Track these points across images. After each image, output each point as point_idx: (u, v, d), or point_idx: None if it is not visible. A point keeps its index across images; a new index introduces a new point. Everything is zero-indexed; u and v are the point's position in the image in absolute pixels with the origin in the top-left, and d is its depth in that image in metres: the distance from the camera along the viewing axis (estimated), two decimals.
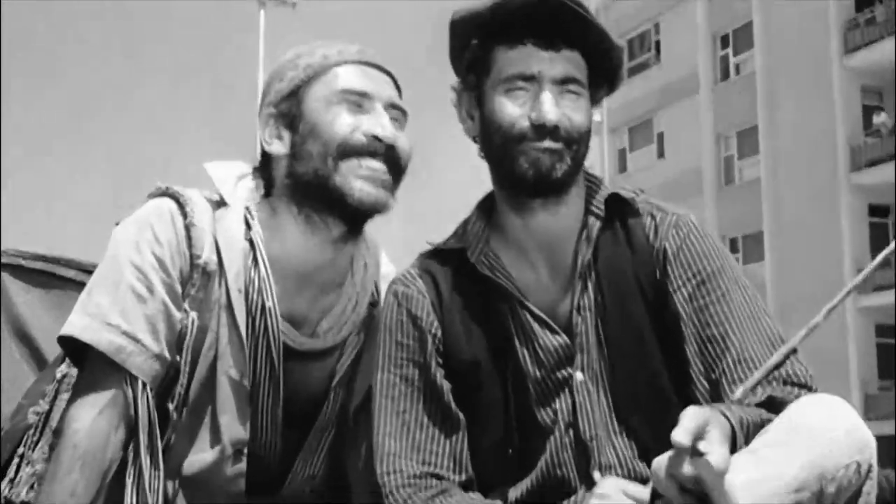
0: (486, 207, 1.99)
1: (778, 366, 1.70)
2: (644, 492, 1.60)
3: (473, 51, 1.88)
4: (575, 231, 1.91)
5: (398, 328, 1.91)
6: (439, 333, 1.89)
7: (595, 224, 1.89)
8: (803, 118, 26.85)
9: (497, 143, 1.85)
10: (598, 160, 31.25)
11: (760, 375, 1.68)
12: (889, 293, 25.07)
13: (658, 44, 31.03)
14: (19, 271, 2.26)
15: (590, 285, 1.87)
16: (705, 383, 1.78)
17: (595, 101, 1.92)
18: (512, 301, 1.89)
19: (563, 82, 1.83)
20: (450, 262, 1.95)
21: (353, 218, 1.96)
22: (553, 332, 1.87)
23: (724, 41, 29.03)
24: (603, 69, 1.90)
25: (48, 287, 2.25)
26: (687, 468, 1.43)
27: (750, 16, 28.31)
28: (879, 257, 1.72)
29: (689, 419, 1.45)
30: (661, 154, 30.65)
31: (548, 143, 1.80)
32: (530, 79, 1.83)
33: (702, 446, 1.43)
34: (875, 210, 26.25)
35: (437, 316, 1.90)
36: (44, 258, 2.29)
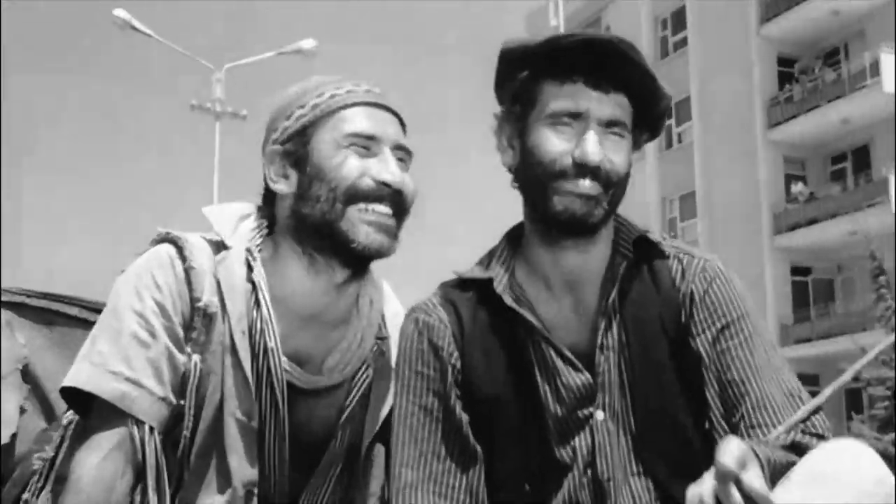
0: (514, 238, 1.95)
1: (807, 418, 1.67)
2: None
3: (523, 82, 1.83)
4: (602, 269, 1.87)
5: (418, 358, 1.86)
6: (459, 364, 1.84)
7: (622, 264, 1.86)
8: (733, 186, 28.46)
9: (536, 176, 1.80)
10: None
11: (797, 419, 1.65)
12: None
13: None
14: (22, 309, 2.23)
15: (614, 325, 1.83)
16: (725, 426, 1.75)
17: (636, 146, 1.87)
18: (535, 335, 1.84)
19: (609, 125, 1.80)
20: (473, 291, 1.90)
21: (357, 263, 1.93)
22: (576, 369, 1.82)
23: (669, 112, 31.64)
24: (648, 115, 1.86)
25: (51, 324, 2.22)
26: (736, 496, 1.38)
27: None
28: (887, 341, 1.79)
29: (736, 447, 1.42)
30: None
31: (587, 185, 1.76)
32: (577, 116, 1.79)
33: (744, 477, 1.39)
34: (796, 270, 27.84)
35: (458, 346, 1.85)
36: (47, 296, 2.26)
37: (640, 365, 1.80)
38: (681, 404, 1.79)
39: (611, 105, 1.79)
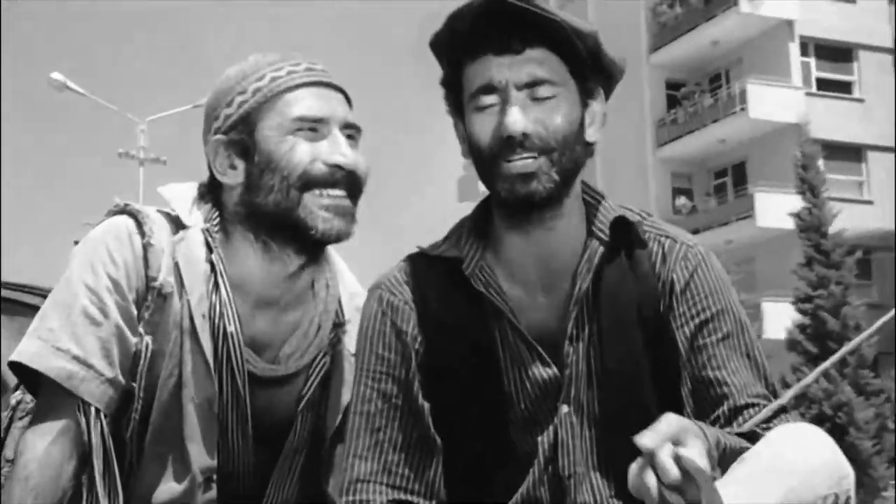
0: (483, 217, 1.77)
1: (779, 411, 1.60)
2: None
3: (448, 71, 1.70)
4: (576, 252, 1.70)
5: (380, 339, 1.71)
6: (423, 349, 1.69)
7: (598, 249, 1.69)
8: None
9: (478, 164, 1.66)
10: None
11: (764, 416, 1.58)
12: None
13: None
14: None
15: (585, 314, 1.69)
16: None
17: (591, 95, 1.68)
18: (503, 321, 1.69)
19: (531, 86, 1.61)
20: (440, 270, 1.73)
21: (313, 249, 1.81)
22: (544, 363, 1.67)
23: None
24: (582, 60, 1.65)
25: (11, 314, 2.13)
26: (674, 471, 1.31)
27: None
28: (878, 323, 1.66)
29: (665, 425, 1.36)
30: None
31: (522, 162, 1.59)
32: (494, 89, 1.62)
33: (682, 452, 1.33)
34: None
35: (422, 329, 1.70)
36: (7, 285, 2.18)
37: (612, 356, 1.66)
38: (651, 396, 1.66)
39: (526, 66, 1.61)
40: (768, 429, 1.58)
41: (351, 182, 1.81)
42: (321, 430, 1.93)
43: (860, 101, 27.98)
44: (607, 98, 1.74)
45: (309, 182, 1.77)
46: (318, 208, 1.77)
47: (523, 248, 1.70)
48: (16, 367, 1.77)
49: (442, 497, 1.69)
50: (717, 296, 1.71)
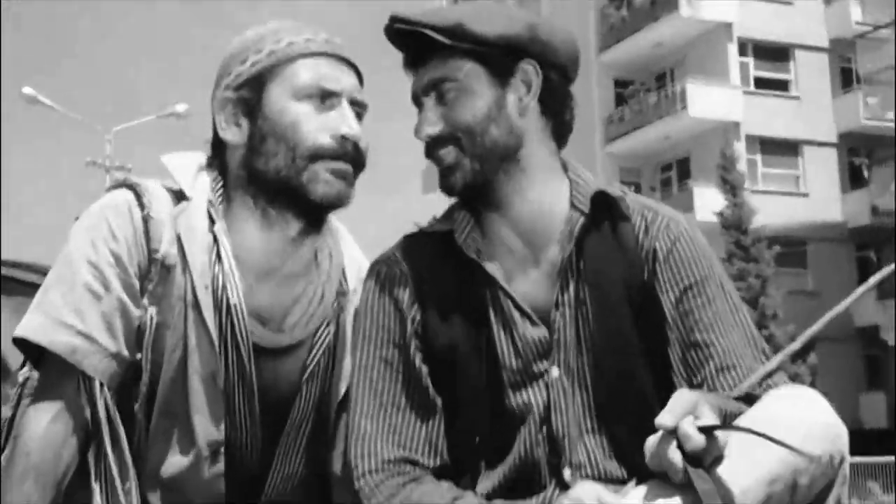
0: None
1: (772, 373, 1.61)
2: (618, 500, 1.47)
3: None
4: (559, 224, 1.75)
5: (379, 309, 1.76)
6: (419, 316, 1.74)
7: (579, 220, 1.73)
8: None
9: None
10: None
11: (755, 380, 1.59)
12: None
13: None
14: None
15: (571, 282, 1.72)
16: (687, 388, 1.64)
17: (503, 74, 1.71)
18: (494, 287, 1.73)
19: (433, 87, 1.72)
20: (434, 244, 1.79)
21: (313, 214, 1.78)
22: (533, 323, 1.71)
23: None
24: (469, 50, 1.70)
25: (10, 293, 2.11)
26: (699, 438, 1.38)
27: None
28: (875, 278, 1.60)
29: (678, 403, 1.42)
30: None
31: (438, 157, 1.72)
32: (416, 99, 1.76)
33: (701, 422, 1.40)
34: None
35: (418, 298, 1.75)
36: (6, 263, 2.14)
37: (599, 323, 1.70)
38: (641, 363, 1.69)
39: (428, 73, 1.72)
40: (764, 391, 1.59)
41: (356, 154, 1.79)
42: (326, 401, 1.90)
43: (796, 98, 28.74)
44: (555, 70, 1.74)
45: (317, 154, 1.74)
46: (323, 172, 1.75)
47: (499, 224, 1.76)
48: (20, 343, 1.73)
49: (445, 456, 1.71)
50: (701, 263, 1.74)
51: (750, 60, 28.77)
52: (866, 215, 27.93)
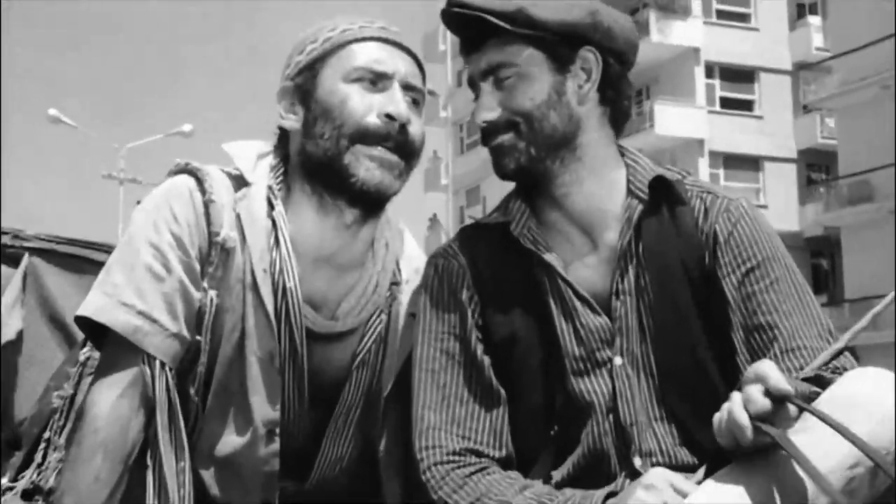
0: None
1: (839, 352, 1.55)
2: (691, 486, 1.42)
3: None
4: (616, 211, 1.69)
5: (438, 302, 1.72)
6: (479, 308, 1.70)
7: (637, 206, 1.67)
8: None
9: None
10: (443, 214, 35.35)
11: (822, 361, 1.53)
12: None
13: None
14: (51, 255, 2.10)
15: (630, 269, 1.67)
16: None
17: (565, 60, 1.68)
18: (553, 276, 1.68)
19: (491, 72, 1.67)
20: (491, 236, 1.74)
21: (361, 201, 1.74)
22: (594, 311, 1.66)
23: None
24: (531, 36, 1.68)
25: (80, 272, 2.11)
26: (763, 400, 1.32)
27: None
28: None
29: (749, 371, 1.36)
30: (484, 212, 38.94)
31: (495, 140, 1.69)
32: (472, 82, 1.73)
33: (769, 383, 1.33)
34: None
35: (478, 289, 1.71)
36: (75, 242, 2.14)
37: (661, 309, 1.64)
38: (705, 349, 1.64)
39: (485, 56, 1.69)
40: (835, 372, 1.53)
41: (403, 139, 1.73)
42: (376, 389, 1.86)
43: (759, 117, 29.84)
44: (614, 57, 1.71)
45: (361, 134, 1.71)
46: (363, 157, 1.71)
47: (555, 212, 1.71)
48: (81, 321, 1.71)
49: (510, 447, 1.66)
50: (763, 244, 1.67)
51: (716, 82, 29.66)
52: (821, 226, 30.11)
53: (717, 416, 1.39)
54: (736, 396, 1.36)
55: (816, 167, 31.32)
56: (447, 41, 37.62)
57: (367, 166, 1.72)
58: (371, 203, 1.77)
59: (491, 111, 1.69)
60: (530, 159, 1.68)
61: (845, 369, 1.55)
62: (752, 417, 1.34)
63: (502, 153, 1.68)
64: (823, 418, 1.33)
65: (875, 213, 24.33)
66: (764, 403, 1.33)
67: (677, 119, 29.38)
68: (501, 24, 1.65)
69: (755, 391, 1.34)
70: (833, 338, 1.62)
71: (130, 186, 27.94)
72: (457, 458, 1.64)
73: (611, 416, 1.67)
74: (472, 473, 1.62)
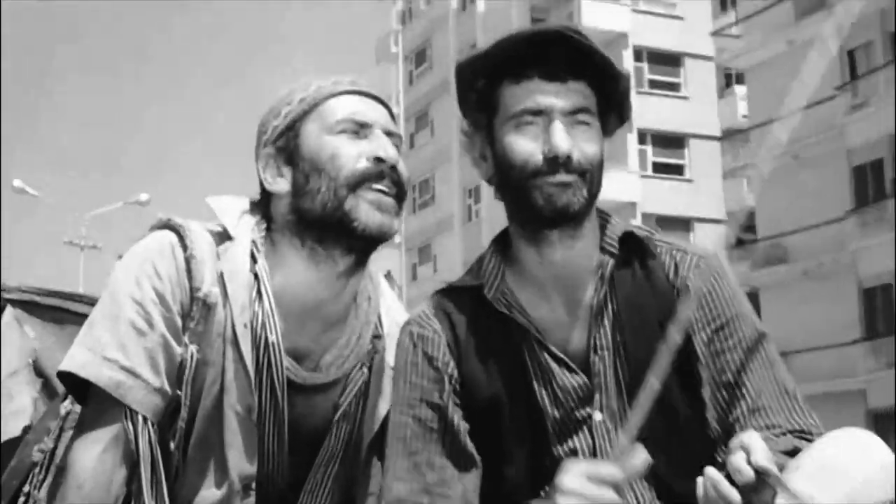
0: (501, 244, 1.75)
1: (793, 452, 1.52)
2: (606, 469, 1.42)
3: (481, 90, 1.68)
4: (591, 268, 1.68)
5: (413, 369, 1.69)
6: (456, 373, 1.68)
7: (609, 262, 1.67)
8: None
9: (513, 180, 1.64)
10: (396, 271, 40.33)
11: (786, 447, 1.54)
12: None
13: (434, 190, 37.49)
14: (33, 307, 2.07)
15: (606, 324, 1.67)
16: (718, 428, 1.63)
17: (606, 131, 1.70)
18: (529, 339, 1.66)
19: (573, 113, 1.63)
20: (465, 300, 1.72)
21: (359, 246, 1.75)
22: (571, 371, 1.65)
23: (470, 194, 35.59)
24: (611, 99, 1.69)
25: (62, 323, 2.08)
26: (748, 470, 1.36)
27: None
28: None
29: (762, 447, 1.36)
30: (435, 269, 36.72)
31: (562, 177, 1.61)
32: (539, 112, 1.62)
33: (752, 458, 1.37)
34: None
35: (454, 355, 1.69)
36: (57, 294, 2.11)
37: (637, 364, 1.64)
38: (680, 401, 1.65)
39: (572, 95, 1.64)
40: (804, 438, 1.55)
41: (395, 179, 1.75)
42: (357, 441, 1.85)
43: (689, 181, 31.00)
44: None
45: (356, 180, 1.71)
46: (363, 202, 1.71)
47: (544, 265, 1.67)
48: (64, 376, 1.69)
49: None
50: (731, 302, 1.68)
51: (648, 148, 30.86)
52: (748, 285, 31.90)
53: (700, 485, 1.38)
54: (713, 472, 1.38)
55: (747, 228, 33.09)
56: (399, 44, 39.00)
57: (366, 210, 1.73)
58: (372, 245, 1.78)
59: (571, 148, 1.64)
60: (583, 208, 1.66)
61: (810, 433, 1.60)
62: (740, 489, 1.34)
63: (570, 191, 1.64)
64: (798, 496, 1.35)
65: (787, 273, 26.06)
66: (748, 473, 1.34)
67: (610, 183, 31.02)
68: (615, 71, 1.68)
69: (741, 462, 1.35)
70: (795, 396, 1.65)
71: (90, 252, 29.29)
72: None
73: None
74: None
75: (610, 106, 1.70)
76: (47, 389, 2.03)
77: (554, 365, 1.66)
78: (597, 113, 1.67)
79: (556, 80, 1.64)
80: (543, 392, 1.67)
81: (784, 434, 1.57)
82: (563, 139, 1.61)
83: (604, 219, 1.74)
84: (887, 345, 22.83)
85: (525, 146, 1.63)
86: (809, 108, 24.53)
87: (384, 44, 39.85)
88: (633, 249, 1.71)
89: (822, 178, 24.67)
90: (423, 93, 38.13)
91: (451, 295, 1.75)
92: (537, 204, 1.62)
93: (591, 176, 1.65)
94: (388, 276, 2.04)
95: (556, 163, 1.61)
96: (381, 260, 1.81)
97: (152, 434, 1.69)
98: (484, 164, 1.71)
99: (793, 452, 1.50)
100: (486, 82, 1.69)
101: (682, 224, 31.76)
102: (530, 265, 1.70)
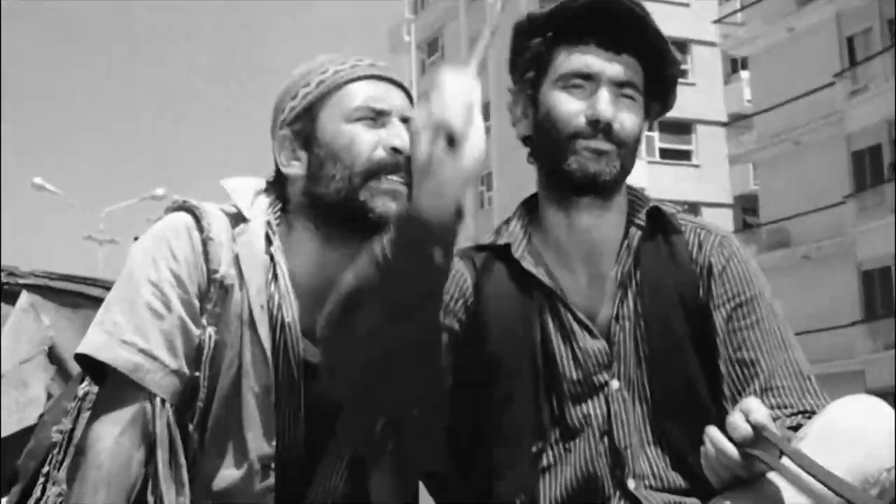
0: (529, 209, 1.76)
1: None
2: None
3: (535, 49, 1.70)
4: (617, 240, 1.71)
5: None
6: (473, 308, 1.70)
7: (636, 234, 1.70)
8: None
9: (551, 139, 1.65)
10: None
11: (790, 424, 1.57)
12: None
13: None
14: (48, 292, 2.09)
15: (629, 294, 1.68)
16: (730, 405, 1.64)
17: (648, 115, 1.71)
18: (553, 299, 1.67)
19: (621, 85, 1.65)
20: (491, 257, 1.74)
21: (373, 231, 1.71)
22: (592, 335, 1.67)
23: (483, 181, 35.45)
24: (659, 81, 1.71)
25: (76, 307, 2.11)
26: (745, 426, 1.39)
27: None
28: None
29: (761, 407, 1.40)
30: None
31: (599, 143, 1.63)
32: (588, 77, 1.64)
33: (752, 416, 1.40)
34: None
35: (475, 296, 1.71)
36: (71, 278, 2.12)
37: (657, 335, 1.66)
38: (698, 374, 1.66)
39: (622, 66, 1.66)
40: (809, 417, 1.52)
41: (408, 168, 1.70)
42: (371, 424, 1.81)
43: (697, 166, 31.07)
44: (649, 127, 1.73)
45: (372, 170, 1.71)
46: (378, 192, 1.71)
47: (570, 231, 1.70)
48: (81, 358, 1.69)
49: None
50: (752, 282, 1.71)
51: (656, 135, 30.90)
52: None
53: (703, 450, 1.41)
54: (713, 430, 1.41)
55: (750, 211, 33.32)
56: (411, 33, 38.59)
57: (382, 200, 1.72)
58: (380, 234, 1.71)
59: (614, 116, 1.65)
60: (614, 180, 1.66)
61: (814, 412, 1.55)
62: (738, 445, 1.35)
63: (604, 160, 1.65)
64: (793, 456, 1.35)
65: (788, 257, 26.35)
66: (745, 430, 1.36)
67: None
68: (670, 51, 1.71)
69: (738, 419, 1.37)
70: (809, 377, 1.66)
71: (109, 247, 29.78)
72: None
73: (605, 439, 1.66)
74: None
75: (656, 91, 1.73)
76: (62, 374, 2.04)
77: (576, 326, 1.68)
78: (643, 93, 1.69)
79: (610, 50, 1.66)
80: (563, 352, 1.68)
81: (795, 414, 1.59)
82: (607, 106, 1.64)
83: (634, 195, 1.76)
84: (886, 326, 22.81)
85: (571, 105, 1.65)
86: (810, 94, 24.92)
87: (397, 33, 39.71)
88: (658, 225, 1.74)
89: (823, 163, 24.63)
90: None
91: (478, 252, 1.77)
92: (571, 167, 1.65)
93: (626, 150, 1.66)
94: None
95: (596, 127, 1.63)
96: None
97: (170, 416, 1.69)
98: (525, 121, 1.74)
99: (799, 430, 1.50)
100: (541, 41, 1.71)
101: (690, 209, 31.53)
102: (557, 231, 1.72)
